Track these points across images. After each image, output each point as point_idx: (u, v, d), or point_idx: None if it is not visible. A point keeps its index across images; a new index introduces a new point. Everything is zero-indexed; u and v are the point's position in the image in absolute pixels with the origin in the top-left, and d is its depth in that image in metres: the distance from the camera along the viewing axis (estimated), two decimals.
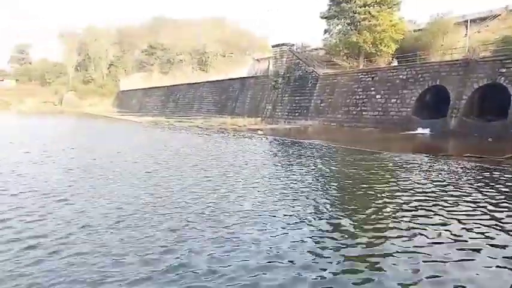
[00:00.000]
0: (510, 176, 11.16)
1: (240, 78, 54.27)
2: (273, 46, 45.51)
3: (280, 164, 13.67)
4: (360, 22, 36.90)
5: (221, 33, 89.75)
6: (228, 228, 6.66)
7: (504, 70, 22.79)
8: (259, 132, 28.08)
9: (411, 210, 7.71)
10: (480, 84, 23.99)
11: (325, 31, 41.08)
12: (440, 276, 4.91)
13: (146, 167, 12.66)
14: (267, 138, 23.87)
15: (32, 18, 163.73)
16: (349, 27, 38.15)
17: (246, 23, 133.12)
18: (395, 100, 29.14)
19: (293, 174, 11.58)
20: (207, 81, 62.58)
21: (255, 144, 20.70)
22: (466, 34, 38.63)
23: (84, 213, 7.47)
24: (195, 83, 65.32)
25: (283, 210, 7.73)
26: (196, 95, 61.83)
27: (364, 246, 5.91)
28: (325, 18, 40.06)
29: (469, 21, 39.13)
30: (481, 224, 6.80)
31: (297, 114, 38.55)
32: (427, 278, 4.88)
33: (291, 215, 7.42)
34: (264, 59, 64.41)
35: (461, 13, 39.78)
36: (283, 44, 42.58)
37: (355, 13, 36.99)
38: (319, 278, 4.94)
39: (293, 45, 43.07)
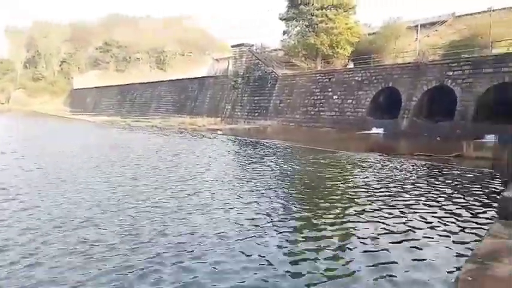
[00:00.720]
0: (457, 172, 11.85)
1: (200, 77, 53.74)
2: (232, 46, 45.47)
3: (240, 164, 13.70)
4: (317, 24, 37.72)
5: (180, 32, 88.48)
6: (191, 228, 6.59)
7: (451, 73, 24.14)
8: (219, 132, 27.97)
9: (365, 204, 8.02)
10: (429, 86, 25.25)
11: (284, 32, 41.65)
12: (392, 262, 5.13)
13: (98, 173, 12.22)
14: (226, 138, 23.82)
15: (32, 18, 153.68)
16: (307, 29, 38.90)
17: (205, 22, 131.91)
18: (351, 101, 30.04)
19: (253, 174, 11.64)
20: (165, 81, 61.42)
21: (215, 144, 20.59)
22: (416, 38, 40.54)
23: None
24: (153, 82, 63.90)
25: (244, 208, 7.75)
26: (154, 94, 60.51)
27: (320, 236, 6.07)
28: (284, 19, 40.60)
29: (419, 26, 41.06)
30: (430, 215, 7.19)
31: (256, 114, 38.74)
32: (378, 264, 5.09)
33: (252, 212, 7.46)
34: (223, 59, 64.22)
35: (412, 18, 41.77)
36: (242, 44, 42.65)
37: (312, 15, 37.77)
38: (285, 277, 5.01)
39: (252, 45, 43.27)
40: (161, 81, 62.25)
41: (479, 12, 37.44)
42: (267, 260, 5.42)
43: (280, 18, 40.96)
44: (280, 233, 6.51)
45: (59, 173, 11.52)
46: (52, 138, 24.35)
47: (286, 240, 6.21)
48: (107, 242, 5.95)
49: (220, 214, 7.45)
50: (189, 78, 55.01)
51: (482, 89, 22.31)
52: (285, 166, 13.13)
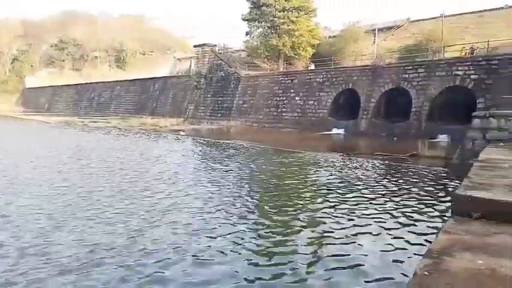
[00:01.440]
0: (413, 171, 12.39)
1: (161, 77, 52.84)
2: (194, 46, 45.03)
3: (202, 165, 13.59)
4: (279, 26, 38.17)
5: (140, 31, 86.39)
6: (153, 229, 6.45)
7: (406, 76, 25.20)
8: (182, 133, 27.61)
9: (328, 202, 8.19)
10: (386, 88, 26.23)
11: (247, 33, 41.77)
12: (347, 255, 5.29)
13: (49, 177, 11.71)
14: (189, 139, 23.55)
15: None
16: (269, 31, 39.24)
17: (166, 21, 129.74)
18: (312, 102, 30.61)
19: (216, 175, 11.58)
20: (125, 80, 59.82)
21: (177, 145, 20.30)
22: (374, 42, 42.00)
23: None
24: (113, 81, 62.06)
25: (207, 209, 7.69)
26: (114, 94, 58.78)
27: (281, 232, 6.14)
28: (247, 20, 40.72)
29: (377, 30, 42.60)
30: (389, 212, 7.46)
31: (219, 114, 38.58)
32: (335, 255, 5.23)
33: (216, 212, 7.41)
34: (185, 59, 63.52)
35: (370, 22, 43.23)
36: (204, 44, 42.34)
37: (275, 17, 38.17)
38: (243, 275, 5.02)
39: (215, 45, 43.07)
40: (121, 80, 60.59)
41: (432, 18, 39.37)
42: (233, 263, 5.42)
43: (243, 19, 41.05)
44: (241, 233, 6.53)
45: None
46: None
47: (249, 242, 6.23)
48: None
49: (178, 217, 7.35)
50: (150, 78, 53.93)
51: (435, 91, 23.46)
52: (249, 167, 13.18)
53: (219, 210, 7.80)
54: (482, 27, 36.61)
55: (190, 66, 54.74)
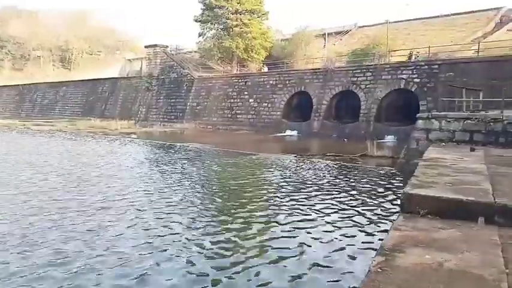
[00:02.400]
0: (363, 170, 12.89)
1: (111, 78, 50.91)
2: (146, 46, 43.91)
3: (156, 168, 13.25)
4: (232, 28, 38.26)
5: (86, 29, 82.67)
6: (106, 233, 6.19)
7: (355, 79, 26.22)
8: (133, 136, 26.81)
9: (283, 202, 8.30)
10: (337, 90, 27.12)
11: (199, 34, 41.44)
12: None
13: None
14: (141, 142, 22.91)
15: None
16: (222, 32, 39.22)
17: (116, 21, 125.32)
18: (266, 104, 30.94)
19: (169, 177, 11.36)
20: (71, 81, 57.02)
21: (128, 148, 19.67)
22: (324, 45, 43.25)
23: None
24: (57, 82, 58.90)
25: (159, 212, 7.53)
26: (59, 96, 55.78)
27: (235, 231, 6.14)
28: (199, 21, 40.40)
29: (326, 34, 43.93)
30: (342, 211, 7.71)
31: (172, 117, 37.91)
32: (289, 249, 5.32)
33: (166, 214, 7.27)
34: (136, 60, 61.76)
35: (320, 27, 44.55)
36: (156, 45, 41.43)
37: (227, 19, 38.21)
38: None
39: (167, 46, 42.29)
40: (67, 81, 57.67)
41: (378, 24, 41.28)
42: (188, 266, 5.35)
43: (195, 20, 40.69)
44: (195, 236, 6.46)
45: None
46: None
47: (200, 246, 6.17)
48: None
49: (131, 222, 7.14)
50: (98, 79, 51.80)
51: (382, 94, 24.60)
52: (203, 169, 13.07)
53: (170, 211, 7.67)
54: (425, 33, 38.98)
55: (141, 67, 53.29)
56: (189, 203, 8.61)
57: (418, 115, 12.23)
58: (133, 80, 45.89)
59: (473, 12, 42.41)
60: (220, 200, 8.92)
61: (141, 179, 11.42)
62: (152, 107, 40.51)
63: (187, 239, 6.35)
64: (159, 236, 6.44)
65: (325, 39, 43.50)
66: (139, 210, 7.96)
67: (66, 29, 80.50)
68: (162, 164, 14.33)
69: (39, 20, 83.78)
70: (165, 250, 5.87)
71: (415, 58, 26.62)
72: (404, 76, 23.86)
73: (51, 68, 78.17)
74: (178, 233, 6.59)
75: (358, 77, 26.13)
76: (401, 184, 9.81)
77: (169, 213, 7.76)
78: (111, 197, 9.01)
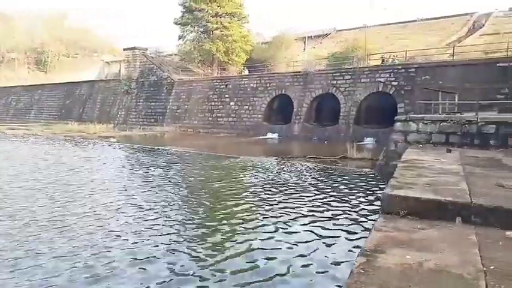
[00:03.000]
0: (344, 172, 13.03)
1: (88, 81, 49.93)
2: (124, 49, 43.31)
3: (137, 172, 13.06)
4: (212, 31, 38.21)
5: (63, 31, 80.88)
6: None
7: (335, 82, 26.54)
8: (112, 139, 26.37)
9: (265, 204, 8.31)
10: (317, 93, 27.38)
11: (180, 37, 41.19)
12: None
13: None
14: (121, 146, 22.54)
15: None
16: (202, 35, 39.11)
17: (93, 22, 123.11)
18: (247, 107, 30.97)
19: (150, 181, 11.21)
20: (48, 84, 55.61)
21: (107, 152, 19.33)
22: (304, 49, 43.69)
23: None
24: (33, 85, 57.37)
25: (139, 215, 7.42)
26: (35, 99, 54.33)
27: (223, 231, 6.12)
28: (179, 24, 40.17)
29: (306, 38, 44.40)
30: (324, 212, 7.77)
31: (152, 120, 37.49)
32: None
33: (147, 217, 7.17)
34: (115, 62, 60.88)
35: (300, 30, 45.01)
36: (135, 48, 40.93)
37: (208, 22, 38.12)
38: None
39: (146, 49, 41.85)
40: (43, 84, 56.22)
41: (356, 28, 41.96)
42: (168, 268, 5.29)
43: (175, 23, 40.45)
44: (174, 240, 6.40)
45: None
46: None
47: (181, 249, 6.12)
48: None
49: (109, 226, 7.01)
50: (76, 82, 50.72)
51: (361, 97, 24.98)
52: (184, 172, 12.96)
53: (151, 215, 7.58)
54: (402, 37, 39.86)
55: (120, 70, 52.56)
56: (170, 206, 8.51)
57: (396, 117, 12.45)
58: (112, 83, 45.18)
59: (447, 17, 43.70)
60: (202, 203, 8.85)
61: (120, 183, 11.23)
62: (131, 110, 39.97)
63: (168, 242, 6.28)
64: (139, 241, 6.34)
65: (304, 42, 43.97)
66: (120, 213, 7.83)
67: (42, 31, 78.52)
68: (142, 168, 14.13)
69: (14, 22, 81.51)
70: (147, 254, 5.79)
71: (390, 61, 27.19)
72: (382, 79, 24.31)
73: (26, 70, 76.06)
74: (159, 236, 6.51)
75: (338, 80, 26.46)
76: (381, 185, 9.97)
77: (150, 217, 7.66)
78: (89, 202, 8.82)
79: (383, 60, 27.71)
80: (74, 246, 6.10)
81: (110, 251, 5.93)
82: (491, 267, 3.10)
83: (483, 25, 38.76)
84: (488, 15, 41.36)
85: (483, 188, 5.20)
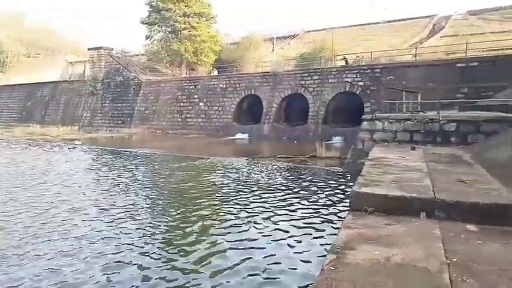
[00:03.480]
0: (313, 171, 13.21)
1: (51, 82, 48.09)
2: (89, 49, 42.07)
3: (103, 175, 12.70)
4: (180, 31, 37.76)
5: (23, 31, 77.50)
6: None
7: (303, 82, 26.87)
8: (77, 142, 25.55)
9: (235, 204, 8.29)
10: (286, 94, 27.64)
11: (147, 37, 40.44)
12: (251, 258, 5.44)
13: None
14: (86, 148, 21.87)
15: None
16: (170, 35, 38.58)
17: (55, 22, 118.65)
18: (217, 107, 30.83)
19: (116, 185, 10.94)
20: (7, 85, 53.17)
21: (71, 155, 18.70)
22: (273, 49, 43.99)
23: None
24: None
25: (106, 219, 7.23)
26: None
27: (185, 240, 6.06)
28: (146, 24, 39.44)
29: (275, 39, 44.71)
30: (295, 211, 7.84)
31: (119, 121, 36.62)
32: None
33: (112, 219, 7.00)
34: (79, 62, 58.98)
35: (268, 31, 45.30)
36: (100, 48, 39.82)
37: (175, 22, 37.64)
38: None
39: (112, 49, 40.80)
40: (1, 85, 53.68)
41: (323, 29, 42.70)
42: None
43: (142, 22, 39.67)
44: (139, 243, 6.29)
45: None
46: None
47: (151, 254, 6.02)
48: None
49: (75, 230, 6.80)
50: (37, 83, 48.73)
51: (329, 97, 25.42)
52: (152, 174, 12.74)
53: (118, 219, 7.41)
54: (368, 38, 40.90)
55: (84, 70, 50.97)
56: (138, 210, 8.34)
57: (362, 117, 12.77)
58: (76, 84, 43.77)
59: (410, 19, 45.27)
60: (171, 206, 8.72)
61: (86, 186, 10.89)
62: (97, 111, 38.88)
63: (138, 246, 6.16)
64: (107, 245, 6.18)
65: (273, 43, 44.26)
66: (85, 217, 7.59)
67: (0, 31, 74.85)
68: (108, 171, 13.76)
69: None
70: (116, 259, 5.65)
71: (352, 62, 27.85)
72: (349, 79, 24.84)
73: None
74: (128, 240, 6.37)
75: (306, 80, 26.81)
76: (349, 183, 10.18)
77: (117, 221, 7.48)
78: (52, 207, 8.50)
79: (346, 62, 28.29)
80: (37, 255, 5.86)
81: (76, 256, 5.74)
82: (454, 260, 3.23)
83: (443, 27, 40.42)
84: (447, 17, 43.17)
85: (445, 184, 5.42)
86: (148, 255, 5.84)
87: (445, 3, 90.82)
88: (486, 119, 10.36)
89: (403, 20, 45.36)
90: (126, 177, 12.29)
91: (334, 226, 6.93)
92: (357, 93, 24.33)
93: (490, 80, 18.74)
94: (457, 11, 44.65)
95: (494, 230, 4.05)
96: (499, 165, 6.62)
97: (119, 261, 5.62)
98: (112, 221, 7.50)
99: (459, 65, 21.36)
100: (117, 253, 5.93)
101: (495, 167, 6.52)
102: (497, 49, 24.50)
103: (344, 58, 28.95)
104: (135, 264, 5.54)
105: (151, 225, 7.31)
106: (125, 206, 8.69)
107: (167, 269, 5.37)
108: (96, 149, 21.31)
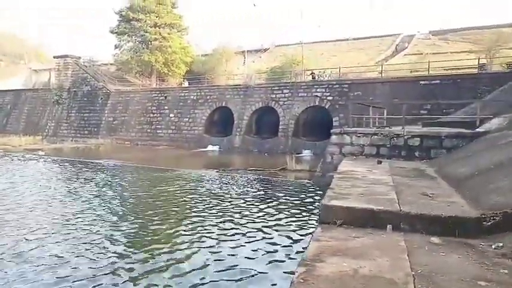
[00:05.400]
0: (283, 183, 13.33)
1: (13, 90, 46.23)
2: (55, 57, 40.90)
3: (65, 188, 12.26)
4: (151, 42, 37.44)
5: None
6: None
7: (274, 95, 27.20)
8: (40, 152, 24.63)
9: (203, 218, 8.22)
10: (257, 106, 27.85)
11: (116, 46, 39.81)
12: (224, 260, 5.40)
13: None
14: (49, 159, 21.07)
15: None
16: (140, 46, 38.15)
17: (19, 28, 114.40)
18: (187, 119, 30.61)
19: (79, 198, 10.59)
20: None
21: (33, 166, 17.97)
22: (244, 62, 44.32)
23: None
24: None
25: (65, 232, 6.98)
26: None
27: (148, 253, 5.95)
28: (115, 33, 38.87)
29: (246, 52, 45.08)
30: (265, 224, 7.85)
31: (86, 132, 35.61)
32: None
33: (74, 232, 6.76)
34: (44, 70, 57.15)
35: (239, 44, 45.69)
36: (67, 56, 38.84)
37: (146, 32, 37.32)
38: None
39: (79, 57, 39.87)
40: None
41: (294, 44, 43.53)
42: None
43: (111, 32, 39.07)
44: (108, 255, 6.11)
45: None
46: None
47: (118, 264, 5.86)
48: None
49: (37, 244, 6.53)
50: None
51: (299, 110, 25.83)
52: (119, 188, 12.43)
53: (82, 233, 7.17)
54: (336, 54, 42.03)
55: (49, 78, 49.40)
56: (102, 224, 8.11)
57: (331, 131, 13.02)
58: (41, 92, 42.32)
59: (375, 37, 46.96)
60: (138, 219, 8.54)
61: (47, 199, 10.47)
62: (62, 121, 37.67)
63: (105, 261, 5.97)
64: (70, 260, 5.96)
65: (244, 56, 44.60)
66: (47, 232, 7.30)
67: None
68: (71, 182, 13.31)
69: None
70: (84, 273, 5.45)
71: (318, 78, 28.50)
72: (318, 94, 25.36)
73: None
74: (94, 255, 6.17)
75: (277, 93, 27.16)
76: (318, 196, 10.32)
77: (82, 235, 7.23)
78: (12, 221, 8.13)
79: (313, 77, 28.87)
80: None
81: (41, 274, 5.50)
82: (419, 271, 3.34)
83: (405, 47, 42.19)
84: (411, 37, 45.10)
85: (410, 197, 5.61)
86: (113, 272, 5.66)
87: (408, 24, 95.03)
88: (448, 134, 10.83)
89: (369, 37, 47.00)
90: (88, 190, 11.93)
91: (304, 238, 6.99)
92: (326, 107, 24.86)
93: (450, 97, 19.69)
94: (420, 30, 46.77)
95: (456, 241, 4.22)
96: (460, 179, 6.93)
97: (81, 279, 5.43)
98: (74, 236, 7.25)
99: (422, 82, 22.31)
100: (79, 269, 5.72)
101: (456, 181, 6.82)
102: (458, 68, 25.81)
103: (312, 73, 29.55)
104: (103, 279, 5.37)
105: (114, 240, 7.10)
106: (87, 220, 8.42)
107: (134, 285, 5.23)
108: (60, 160, 20.59)
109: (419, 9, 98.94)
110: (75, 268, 5.76)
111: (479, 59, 24.16)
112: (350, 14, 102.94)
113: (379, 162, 9.78)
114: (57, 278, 5.42)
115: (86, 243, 6.85)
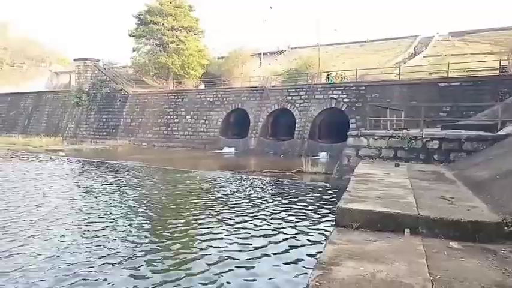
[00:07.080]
0: (299, 186, 13.26)
1: (35, 92, 47.40)
2: (75, 60, 41.78)
3: (87, 187, 12.49)
4: (168, 44, 37.90)
5: (7, 40, 76.46)
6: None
7: (290, 98, 27.15)
8: (60, 153, 25.14)
9: (222, 219, 8.24)
10: (273, 108, 27.85)
11: (134, 49, 40.42)
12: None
13: None
14: (70, 160, 21.50)
15: None
16: (158, 48, 38.66)
17: (40, 31, 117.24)
18: (204, 121, 30.82)
19: (100, 197, 10.77)
20: None
21: (54, 167, 18.36)
22: (260, 64, 44.45)
23: None
24: None
25: (93, 231, 7.10)
26: None
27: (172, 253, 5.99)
28: (134, 36, 39.46)
29: (262, 54, 45.27)
30: (282, 226, 7.83)
31: (105, 133, 36.24)
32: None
33: (99, 232, 6.88)
34: (64, 73, 58.46)
35: (255, 46, 45.91)
36: (86, 59, 39.62)
37: (163, 35, 37.80)
38: None
39: (98, 60, 40.64)
40: None
41: (309, 46, 43.43)
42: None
43: (130, 35, 39.68)
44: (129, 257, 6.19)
45: None
46: None
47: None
48: None
49: (61, 243, 6.67)
50: (21, 93, 47.99)
51: (315, 112, 25.70)
52: (139, 188, 12.57)
53: (103, 232, 7.29)
54: (353, 56, 41.71)
55: (69, 81, 50.48)
56: (124, 223, 8.23)
57: (348, 133, 12.91)
58: (61, 94, 43.29)
59: (393, 39, 46.41)
60: (158, 219, 8.63)
61: (71, 198, 10.69)
62: (82, 123, 38.44)
63: (121, 258, 6.06)
64: (92, 259, 6.07)
65: (260, 58, 44.75)
66: (71, 230, 7.45)
67: None
68: (93, 182, 13.55)
69: None
70: (103, 272, 5.55)
71: (335, 78, 28.29)
72: (335, 96, 25.20)
73: None
74: (113, 253, 6.27)
75: (293, 96, 27.10)
76: (335, 199, 10.23)
77: (102, 233, 7.36)
78: (36, 219, 8.32)
79: (328, 78, 28.66)
80: (23, 268, 5.71)
81: (66, 274, 5.62)
82: (438, 277, 3.29)
83: (423, 50, 41.53)
84: (430, 38, 44.40)
85: (429, 201, 5.52)
86: (137, 273, 5.71)
87: (427, 25, 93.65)
88: (468, 137, 10.61)
89: (387, 39, 46.48)
90: (109, 190, 12.11)
91: (320, 241, 6.95)
92: (343, 109, 24.67)
93: (470, 100, 19.28)
94: (439, 32, 46.01)
95: (475, 247, 4.13)
96: (480, 183, 6.78)
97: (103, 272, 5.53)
98: (96, 235, 7.37)
99: (441, 84, 21.93)
100: (99, 266, 5.82)
101: (477, 185, 6.67)
102: (477, 70, 25.28)
103: (327, 76, 29.34)
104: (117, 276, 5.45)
105: (135, 241, 7.19)
106: (107, 219, 8.56)
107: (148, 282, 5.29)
108: (80, 161, 20.97)
109: (438, 11, 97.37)
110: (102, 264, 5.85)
111: (500, 60, 23.59)
112: (367, 16, 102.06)
113: (397, 165, 9.66)
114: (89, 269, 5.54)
115: (115, 239, 6.97)
